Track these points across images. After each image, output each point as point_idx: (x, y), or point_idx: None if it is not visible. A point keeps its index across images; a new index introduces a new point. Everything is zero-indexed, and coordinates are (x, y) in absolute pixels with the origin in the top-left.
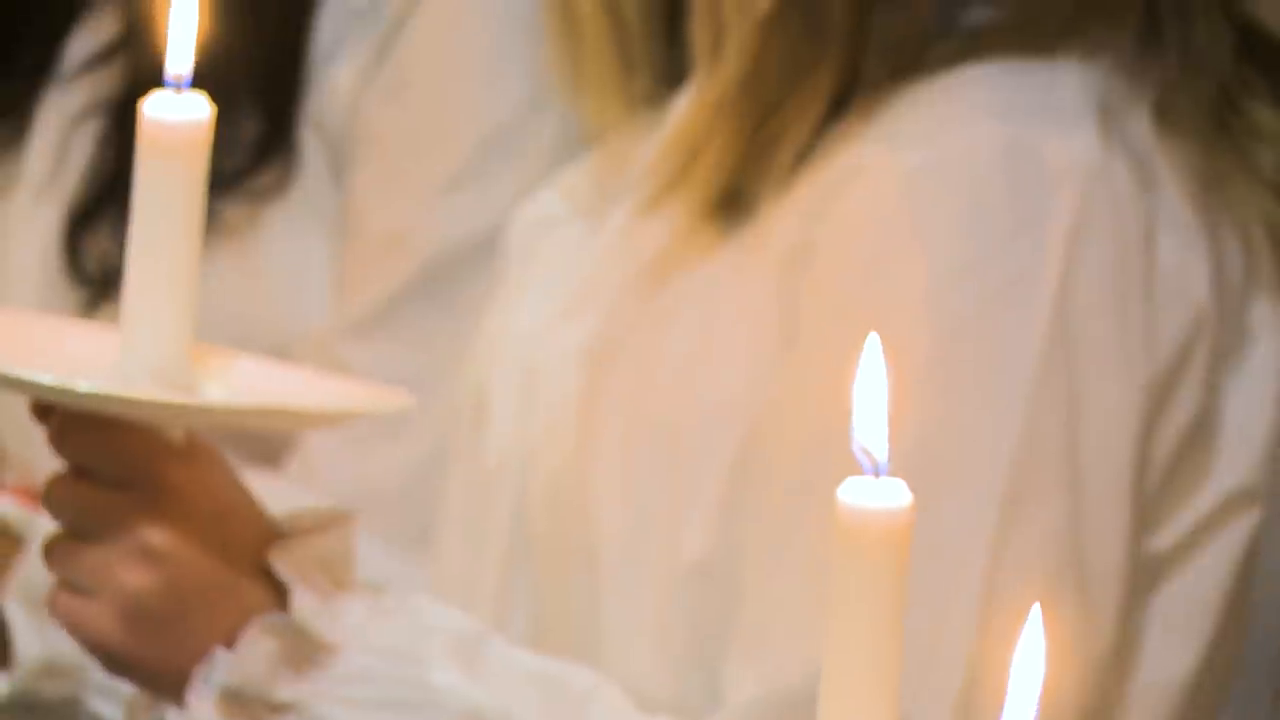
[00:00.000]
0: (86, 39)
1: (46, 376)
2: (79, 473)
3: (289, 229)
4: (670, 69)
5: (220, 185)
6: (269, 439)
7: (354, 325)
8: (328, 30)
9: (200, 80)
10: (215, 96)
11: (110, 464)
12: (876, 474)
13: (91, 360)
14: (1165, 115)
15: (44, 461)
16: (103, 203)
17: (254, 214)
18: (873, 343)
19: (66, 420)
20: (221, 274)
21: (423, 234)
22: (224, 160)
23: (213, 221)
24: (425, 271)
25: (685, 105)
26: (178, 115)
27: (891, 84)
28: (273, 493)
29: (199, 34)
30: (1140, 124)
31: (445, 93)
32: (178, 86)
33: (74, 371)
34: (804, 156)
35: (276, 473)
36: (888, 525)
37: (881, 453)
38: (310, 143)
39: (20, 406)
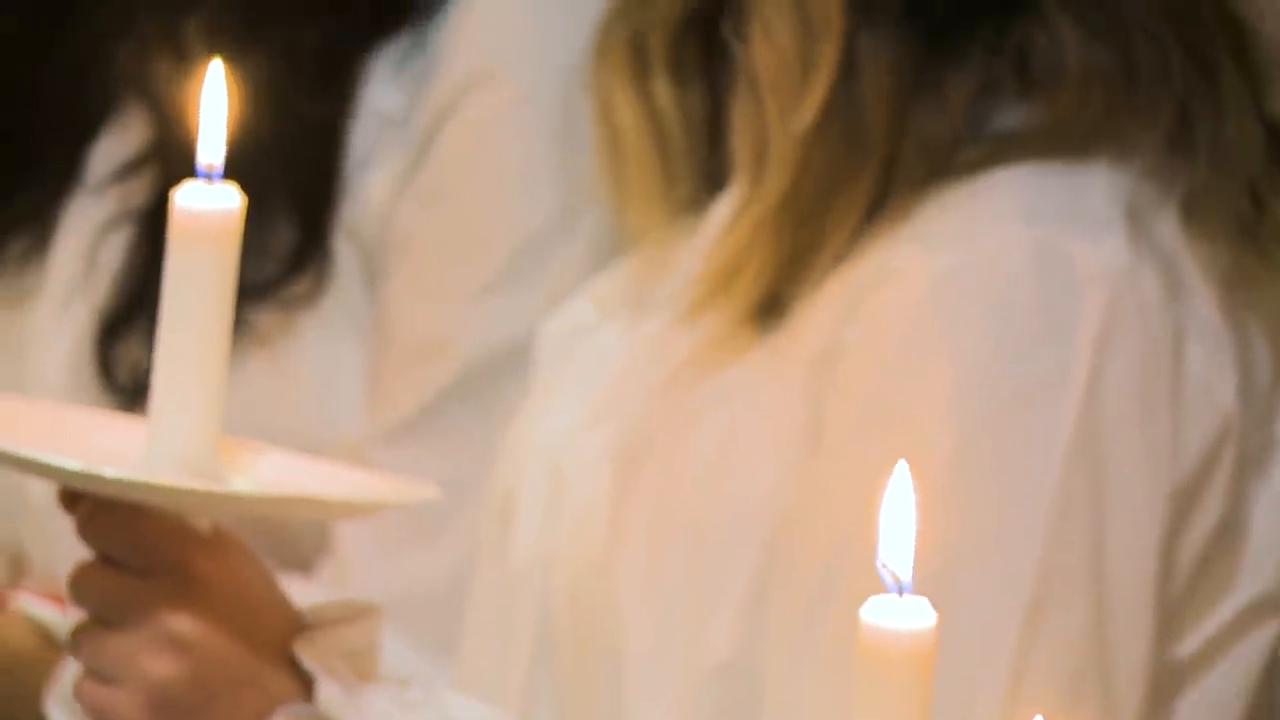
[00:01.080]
0: (112, 148)
1: (74, 462)
2: (105, 561)
3: (322, 337)
4: (710, 174)
5: (254, 294)
6: (300, 543)
7: (388, 432)
8: (361, 139)
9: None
10: (249, 206)
11: (136, 552)
12: (900, 593)
13: (119, 451)
14: (1193, 215)
15: (66, 568)
16: (134, 311)
17: (287, 322)
18: (901, 466)
19: (94, 508)
20: (254, 382)
21: (458, 340)
22: (258, 269)
23: (246, 329)
24: (461, 377)
25: (727, 219)
26: (208, 204)
27: (923, 186)
28: (305, 598)
29: (230, 129)
30: (1168, 225)
31: (480, 200)
32: (209, 176)
33: (102, 461)
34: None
35: (309, 578)
36: (911, 646)
37: (905, 573)
38: (344, 250)
39: (43, 513)
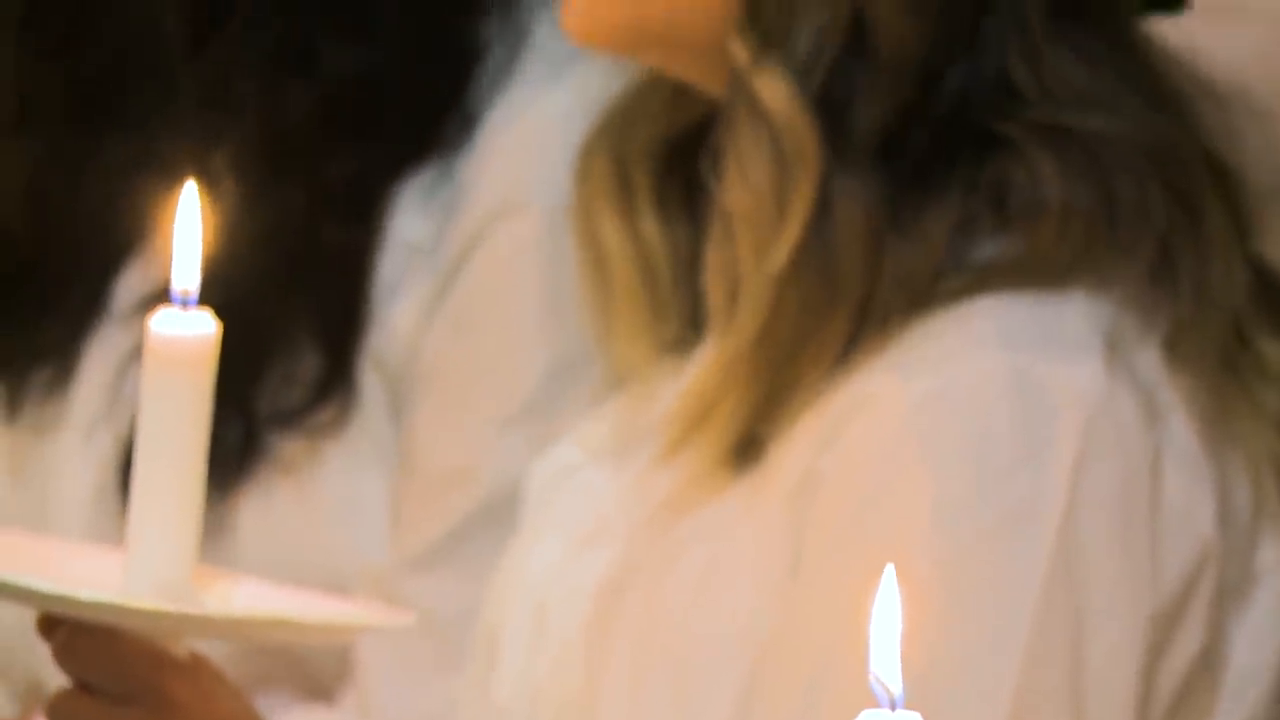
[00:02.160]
0: (137, 279)
1: (49, 585)
2: (83, 688)
3: (347, 466)
4: (698, 313)
5: (280, 422)
6: (321, 671)
7: (415, 560)
8: (389, 268)
9: (260, 319)
10: (275, 335)
11: (113, 678)
12: (893, 706)
13: (98, 578)
14: (1175, 350)
15: None
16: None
17: (312, 450)
18: (889, 574)
19: (71, 634)
20: (279, 510)
21: (483, 469)
22: (284, 398)
23: (271, 458)
24: (485, 506)
25: (702, 358)
26: (183, 331)
27: (902, 317)
28: None
29: (206, 251)
30: (1149, 357)
31: (508, 328)
32: (184, 303)
33: (80, 586)
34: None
35: (330, 706)
36: None
37: (896, 685)
38: (370, 380)
39: None
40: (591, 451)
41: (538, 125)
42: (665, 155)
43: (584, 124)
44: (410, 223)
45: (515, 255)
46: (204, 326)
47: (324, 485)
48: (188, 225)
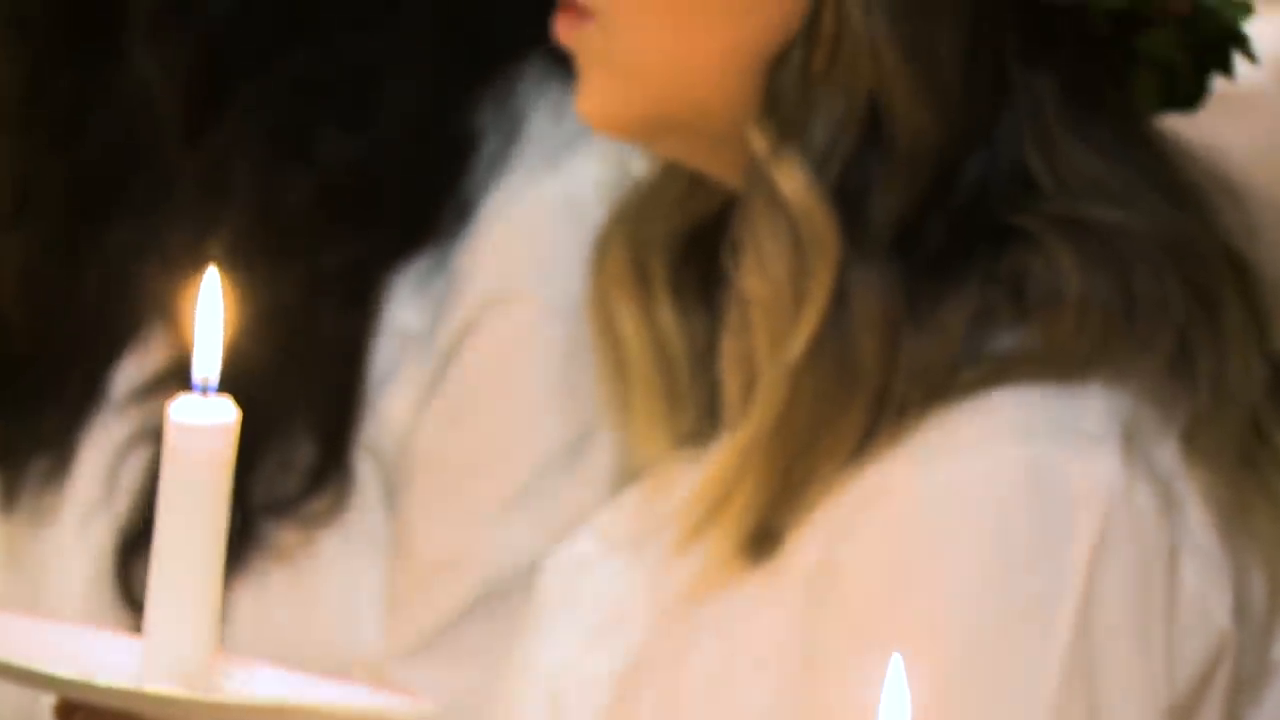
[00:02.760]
0: (134, 368)
1: (65, 670)
2: None
3: (342, 554)
4: (715, 404)
5: (275, 511)
6: None
7: (411, 648)
8: (383, 356)
9: (256, 407)
10: (271, 423)
11: None
12: None
13: (117, 664)
14: (1193, 443)
15: None
16: (153, 529)
17: (307, 539)
18: (895, 664)
19: (89, 719)
20: (275, 599)
21: (478, 558)
22: (279, 486)
23: (266, 547)
24: (483, 593)
25: (719, 448)
26: (203, 419)
27: (919, 408)
28: None
29: (226, 341)
30: (1167, 450)
31: (503, 416)
32: (204, 390)
33: (98, 671)
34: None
35: None
36: None
37: None
38: (364, 468)
39: None
40: (608, 542)
41: (532, 213)
42: (682, 245)
43: (578, 212)
44: (405, 310)
45: (508, 343)
46: (224, 414)
47: (319, 574)
48: (209, 312)
